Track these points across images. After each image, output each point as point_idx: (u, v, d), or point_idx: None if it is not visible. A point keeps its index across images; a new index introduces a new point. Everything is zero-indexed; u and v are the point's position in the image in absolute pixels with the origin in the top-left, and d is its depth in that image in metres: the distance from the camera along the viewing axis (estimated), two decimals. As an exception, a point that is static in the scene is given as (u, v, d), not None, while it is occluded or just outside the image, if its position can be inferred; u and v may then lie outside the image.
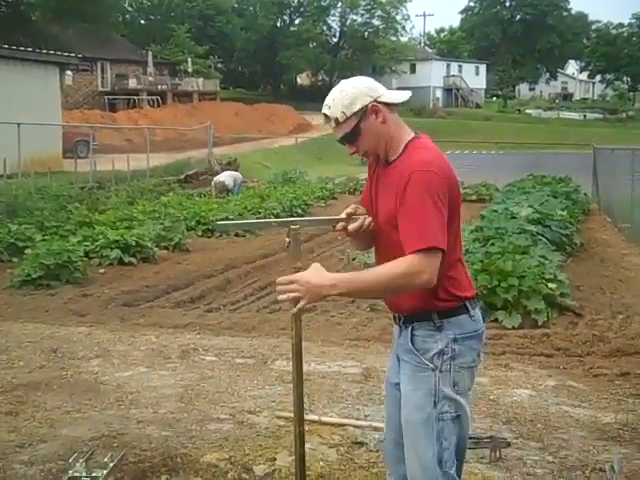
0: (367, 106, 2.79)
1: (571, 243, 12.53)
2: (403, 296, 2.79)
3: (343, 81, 2.88)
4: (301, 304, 2.64)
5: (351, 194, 25.17)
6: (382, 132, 2.83)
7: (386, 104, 2.84)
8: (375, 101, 2.81)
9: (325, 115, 2.87)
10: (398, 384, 3.00)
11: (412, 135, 2.87)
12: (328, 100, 2.84)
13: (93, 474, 4.18)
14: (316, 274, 2.63)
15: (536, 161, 29.71)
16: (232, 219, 15.65)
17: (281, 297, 2.67)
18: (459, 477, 2.88)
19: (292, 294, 2.62)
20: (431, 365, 2.78)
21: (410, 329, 2.83)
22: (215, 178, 21.64)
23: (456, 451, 2.83)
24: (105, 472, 4.20)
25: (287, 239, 2.68)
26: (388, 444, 3.13)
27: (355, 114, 2.80)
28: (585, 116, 71.85)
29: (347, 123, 2.82)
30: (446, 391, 2.77)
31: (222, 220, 15.45)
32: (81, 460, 4.31)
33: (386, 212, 2.79)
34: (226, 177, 21.53)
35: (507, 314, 7.83)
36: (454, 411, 2.79)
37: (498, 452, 4.53)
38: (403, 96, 2.87)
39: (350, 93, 2.80)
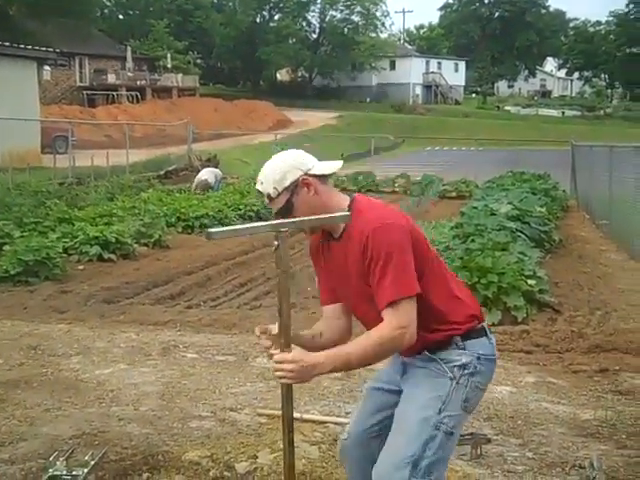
0: (298, 180, 2.81)
1: (550, 240, 12.61)
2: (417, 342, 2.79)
3: (275, 156, 2.92)
4: (290, 382, 2.68)
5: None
6: (316, 204, 2.84)
7: (317, 176, 2.86)
8: (306, 174, 2.83)
9: (258, 191, 2.90)
10: (382, 389, 3.03)
11: (348, 199, 2.90)
12: (260, 176, 2.88)
13: (74, 472, 4.15)
14: (304, 356, 2.65)
15: (515, 158, 29.87)
16: (212, 216, 15.63)
17: (277, 374, 2.68)
18: None
19: (283, 373, 2.63)
20: (450, 374, 2.80)
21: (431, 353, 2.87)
22: (197, 177, 21.52)
23: (437, 464, 2.78)
24: (86, 470, 4.17)
25: (275, 242, 2.67)
26: (350, 444, 3.13)
27: (286, 189, 2.83)
28: (564, 113, 72.41)
29: (279, 198, 2.84)
30: (455, 404, 2.79)
31: (209, 225, 15.42)
32: (62, 458, 4.28)
33: (360, 281, 2.80)
34: (208, 174, 21.44)
35: (487, 310, 7.84)
36: (452, 426, 2.79)
37: (479, 449, 4.55)
38: (334, 166, 2.91)
39: (280, 168, 2.84)
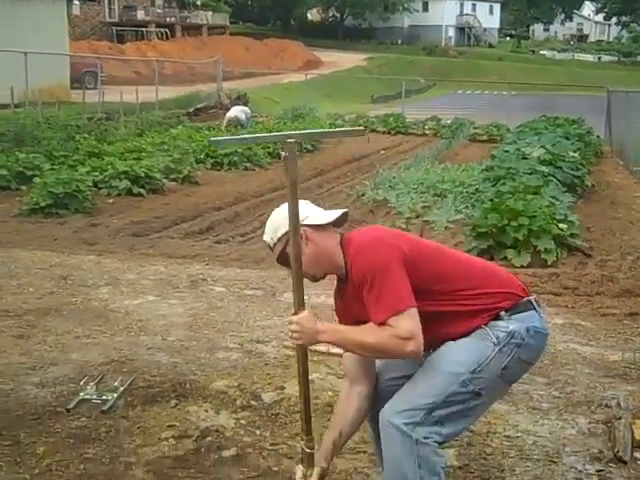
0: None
1: (582, 185, 12.44)
2: (457, 333, 2.77)
3: (277, 208, 2.94)
4: (297, 342, 2.77)
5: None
6: (310, 252, 2.83)
7: (312, 226, 2.85)
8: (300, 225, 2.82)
9: (265, 241, 2.95)
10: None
11: (339, 238, 2.88)
12: (265, 227, 2.94)
13: (103, 397, 4.23)
14: (310, 319, 2.72)
15: (549, 103, 29.42)
16: (241, 153, 15.59)
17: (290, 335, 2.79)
18: (443, 441, 2.77)
19: (294, 335, 2.75)
20: (494, 339, 2.71)
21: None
22: (227, 114, 21.37)
23: (455, 421, 2.74)
24: (115, 395, 4.24)
25: (283, 153, 2.67)
26: (350, 361, 3.10)
27: (280, 240, 2.86)
28: (600, 58, 70.85)
29: (275, 248, 2.90)
30: (492, 369, 2.70)
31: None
32: (92, 383, 4.36)
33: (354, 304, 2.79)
34: (238, 112, 21.30)
35: (516, 253, 7.81)
36: (481, 388, 2.71)
37: (505, 386, 4.55)
38: (330, 216, 2.89)
39: (277, 219, 2.88)
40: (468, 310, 2.75)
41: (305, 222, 2.83)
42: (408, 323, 2.57)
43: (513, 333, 2.71)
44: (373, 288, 2.62)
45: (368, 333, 2.64)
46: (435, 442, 2.70)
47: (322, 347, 4.98)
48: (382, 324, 2.60)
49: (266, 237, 2.91)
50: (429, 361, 2.79)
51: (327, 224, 2.87)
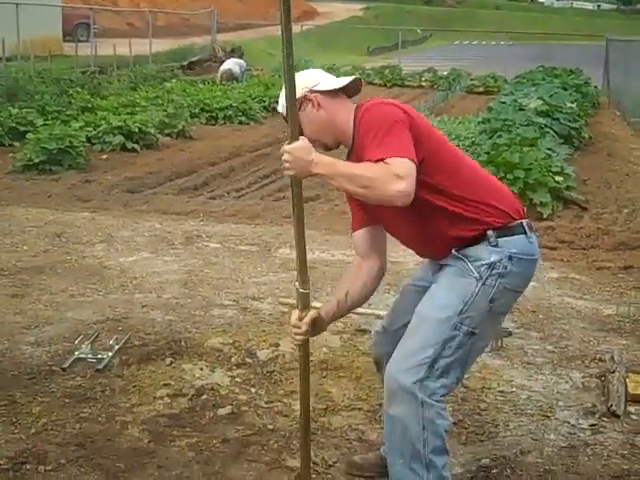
0: (302, 97, 2.74)
1: (579, 136, 12.36)
2: (440, 243, 2.73)
3: None
4: (288, 173, 2.58)
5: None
6: (320, 120, 2.77)
7: (324, 92, 2.79)
8: (310, 91, 2.77)
9: (279, 112, 2.85)
10: (415, 286, 2.97)
11: (352, 106, 2.80)
12: (279, 98, 2.82)
13: (99, 356, 4.23)
14: (304, 148, 2.56)
15: (547, 52, 29.12)
16: (236, 107, 15.46)
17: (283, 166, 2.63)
18: (453, 387, 2.78)
19: (286, 164, 2.57)
20: (476, 274, 2.66)
21: (457, 247, 2.73)
22: (222, 67, 21.17)
23: (460, 364, 2.71)
24: (111, 354, 4.25)
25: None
26: (381, 331, 3.12)
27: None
28: (599, 6, 70.06)
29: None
30: (479, 305, 2.66)
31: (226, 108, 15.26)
32: (87, 342, 4.36)
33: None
34: (232, 64, 21.08)
35: (512, 206, 7.76)
36: (474, 327, 2.67)
37: (500, 341, 4.56)
38: (341, 82, 2.82)
39: None
40: (459, 214, 2.69)
41: (316, 88, 2.79)
42: (404, 166, 2.47)
43: (494, 264, 2.66)
44: (376, 137, 2.55)
45: (362, 166, 2.55)
46: (441, 397, 2.70)
47: (317, 303, 4.98)
48: (379, 160, 2.50)
49: (280, 108, 2.83)
50: (417, 312, 2.76)
51: (338, 89, 2.81)
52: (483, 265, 2.67)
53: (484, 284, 2.66)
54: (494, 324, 2.82)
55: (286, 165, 2.56)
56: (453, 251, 2.73)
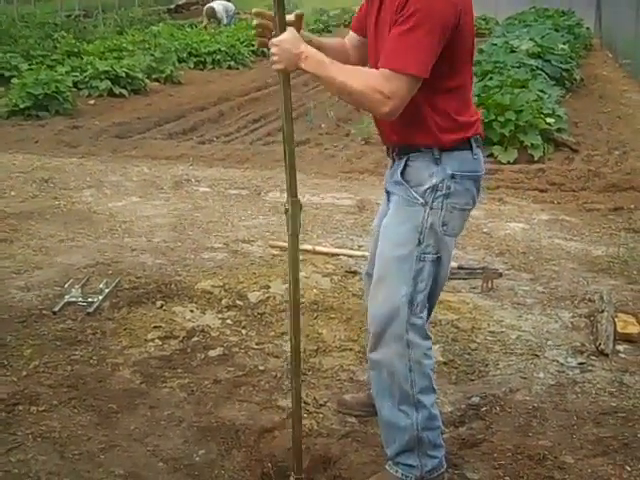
0: None
1: (571, 78, 12.25)
2: (396, 127, 2.59)
3: None
4: (276, 67, 2.45)
5: (346, 27, 24.39)
6: None
7: None
8: None
9: None
10: (380, 225, 2.91)
11: None
12: None
13: (89, 299, 4.23)
14: (292, 39, 2.43)
15: (538, -7, 28.64)
16: (224, 51, 15.26)
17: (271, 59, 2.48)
18: (427, 319, 2.77)
19: (274, 57, 2.44)
20: (421, 200, 2.58)
21: (405, 160, 2.63)
22: (207, 5, 20.87)
23: (430, 294, 2.70)
24: (101, 297, 4.25)
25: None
26: (367, 277, 3.09)
27: None
28: (591, -53, 68.81)
29: None
30: (433, 230, 2.60)
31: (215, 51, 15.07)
32: (77, 286, 4.36)
33: (384, 30, 2.50)
34: (217, 4, 20.76)
35: (503, 149, 7.73)
36: (436, 252, 2.63)
37: (490, 282, 4.58)
38: None
39: None
40: (424, 117, 2.54)
41: None
42: (399, 85, 2.37)
43: (436, 186, 2.57)
44: (402, 25, 2.36)
45: (353, 77, 2.43)
46: (427, 334, 2.71)
47: (308, 246, 4.99)
48: (384, 68, 2.38)
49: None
50: (379, 254, 2.72)
51: None
52: (426, 190, 2.59)
53: (431, 208, 2.59)
54: (451, 245, 2.73)
55: (274, 58, 2.43)
56: (397, 175, 2.64)
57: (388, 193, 2.77)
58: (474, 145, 2.63)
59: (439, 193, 2.58)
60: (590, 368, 3.69)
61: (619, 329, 3.97)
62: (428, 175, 2.58)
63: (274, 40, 2.43)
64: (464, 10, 2.45)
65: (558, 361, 3.75)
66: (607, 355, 3.78)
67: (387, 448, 2.80)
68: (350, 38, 2.89)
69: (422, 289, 2.64)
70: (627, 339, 3.94)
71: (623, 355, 3.82)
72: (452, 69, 2.49)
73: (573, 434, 3.15)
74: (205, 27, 19.47)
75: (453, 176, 2.58)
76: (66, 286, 4.37)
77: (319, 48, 2.58)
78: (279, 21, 2.43)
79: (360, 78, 2.43)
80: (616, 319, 4.05)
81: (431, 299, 2.76)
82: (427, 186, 2.58)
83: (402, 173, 2.63)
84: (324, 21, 23.40)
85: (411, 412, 2.70)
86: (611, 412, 3.31)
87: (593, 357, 3.78)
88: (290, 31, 2.44)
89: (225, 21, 20.37)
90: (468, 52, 2.57)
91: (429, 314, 2.82)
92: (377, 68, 2.47)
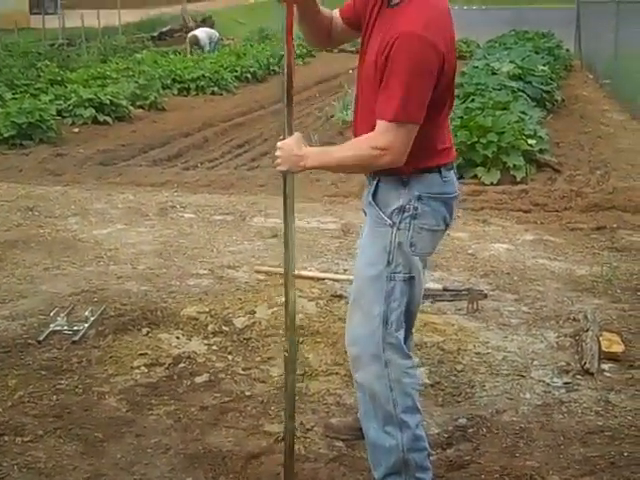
0: None
1: (552, 99, 12.36)
2: None
3: None
4: (280, 168, 2.61)
5: (329, 52, 24.53)
6: None
7: None
8: None
9: None
10: None
11: None
12: None
13: (75, 327, 4.22)
14: (294, 144, 2.59)
15: (519, 16, 28.93)
16: (208, 77, 15.33)
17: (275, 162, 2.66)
18: (405, 341, 2.79)
19: (277, 160, 2.61)
20: (389, 221, 2.64)
21: (376, 181, 2.69)
22: (190, 33, 21.00)
23: (406, 314, 2.73)
24: (86, 325, 4.24)
25: None
26: None
27: None
28: (570, -30, 69.78)
29: None
30: (402, 250, 2.64)
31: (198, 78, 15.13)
32: (62, 314, 4.34)
33: (369, 61, 2.59)
34: (200, 32, 20.90)
35: (486, 170, 7.79)
36: (407, 272, 2.66)
37: (475, 304, 4.60)
38: None
39: None
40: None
41: None
42: (394, 136, 2.45)
43: (403, 207, 2.63)
44: (397, 81, 2.43)
45: (350, 149, 2.59)
46: (406, 352, 2.73)
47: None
48: (381, 120, 2.46)
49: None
50: (355, 274, 2.82)
51: None
52: (393, 210, 2.64)
53: (399, 229, 2.64)
54: (424, 265, 2.77)
55: (278, 161, 2.61)
56: (370, 197, 2.71)
57: (365, 212, 2.84)
58: (443, 169, 2.69)
59: (406, 214, 2.64)
60: (576, 387, 3.70)
61: (604, 348, 3.99)
62: (395, 196, 2.65)
63: (279, 144, 2.61)
64: (447, 51, 2.52)
65: (544, 381, 3.77)
66: (592, 374, 3.80)
67: (374, 471, 2.81)
68: (336, 17, 2.90)
69: (395, 308, 2.68)
70: (612, 358, 3.96)
71: (608, 374, 3.84)
72: (432, 105, 2.53)
73: (560, 454, 3.16)
74: (191, 53, 19.54)
75: (420, 197, 2.63)
76: (51, 315, 4.35)
77: (316, 12, 2.77)
78: (286, 122, 2.63)
79: (356, 146, 2.58)
80: (601, 338, 4.08)
81: (408, 319, 2.79)
82: (394, 207, 2.64)
83: (374, 195, 2.70)
84: (307, 46, 23.54)
85: (395, 433, 2.71)
86: (597, 431, 3.33)
87: (579, 376, 3.80)
88: (294, 136, 2.60)
89: (207, 48, 20.48)
90: (449, 88, 2.64)
91: (408, 333, 2.84)
92: (361, 105, 2.68)
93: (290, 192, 2.68)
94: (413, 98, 2.44)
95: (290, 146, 2.58)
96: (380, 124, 2.47)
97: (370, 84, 2.57)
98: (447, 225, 2.76)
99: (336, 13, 2.90)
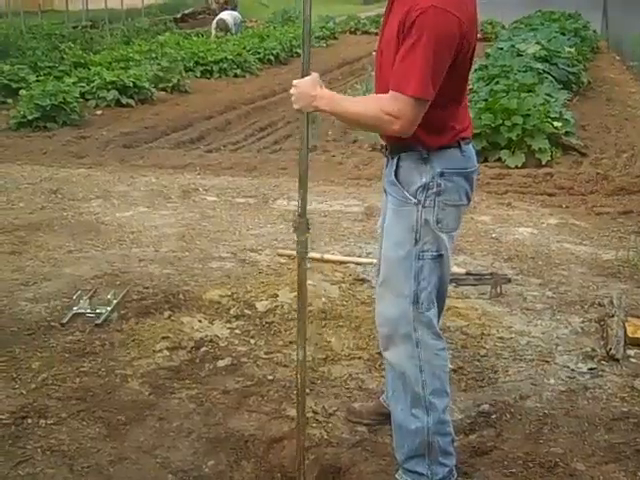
0: None
1: (578, 81, 12.23)
2: None
3: None
4: (294, 106, 2.65)
5: (352, 34, 24.46)
6: None
7: None
8: None
9: None
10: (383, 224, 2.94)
11: None
12: None
13: (97, 310, 4.23)
14: (309, 83, 2.60)
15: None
16: (231, 60, 15.29)
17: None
18: (438, 319, 2.79)
19: (292, 98, 2.65)
20: (414, 199, 2.63)
21: (396, 160, 2.68)
22: (217, 17, 20.89)
23: (436, 293, 2.73)
24: (109, 309, 4.24)
25: None
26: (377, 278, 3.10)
27: None
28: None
29: None
30: (428, 228, 2.63)
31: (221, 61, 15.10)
32: (85, 297, 4.35)
33: (386, 39, 2.59)
34: (226, 15, 20.80)
35: (510, 153, 7.72)
36: (435, 250, 2.65)
37: (499, 288, 4.56)
38: None
39: None
40: (425, 127, 2.54)
41: None
42: (404, 106, 2.44)
43: (426, 185, 2.62)
44: (415, 53, 2.41)
45: (364, 106, 2.61)
46: (438, 331, 2.73)
47: (316, 254, 4.98)
48: (392, 90, 2.46)
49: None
50: (382, 256, 2.80)
51: None
52: (417, 189, 2.63)
53: (424, 207, 2.63)
54: (449, 242, 2.75)
55: (292, 99, 2.64)
56: (392, 176, 2.69)
57: (386, 192, 2.82)
58: (462, 143, 2.68)
59: (430, 191, 2.63)
60: (601, 373, 3.66)
61: (629, 333, 3.94)
62: (418, 174, 2.64)
63: (294, 82, 2.64)
64: (469, 27, 2.50)
65: (568, 367, 3.73)
66: (618, 360, 3.76)
67: (397, 453, 2.79)
68: None
69: (425, 286, 2.67)
70: (638, 343, 3.92)
71: (634, 360, 3.80)
72: (449, 83, 2.52)
73: (584, 441, 3.13)
74: (217, 36, 19.38)
75: (442, 174, 2.63)
76: (74, 297, 4.36)
77: None
78: (303, 64, 2.64)
79: (370, 105, 2.57)
80: (626, 323, 4.03)
81: (439, 301, 2.78)
82: (418, 185, 2.63)
83: (395, 174, 2.69)
84: (330, 28, 23.42)
85: (422, 415, 2.70)
86: (623, 418, 3.29)
87: (604, 362, 3.76)
88: (311, 76, 2.61)
89: (234, 30, 20.40)
90: (467, 66, 2.62)
91: (439, 316, 2.82)
92: (380, 79, 2.64)
93: (305, 138, 2.68)
94: (431, 74, 2.43)
95: (306, 85, 2.60)
96: (392, 93, 2.46)
97: (390, 59, 2.54)
98: (469, 200, 2.75)
99: None
